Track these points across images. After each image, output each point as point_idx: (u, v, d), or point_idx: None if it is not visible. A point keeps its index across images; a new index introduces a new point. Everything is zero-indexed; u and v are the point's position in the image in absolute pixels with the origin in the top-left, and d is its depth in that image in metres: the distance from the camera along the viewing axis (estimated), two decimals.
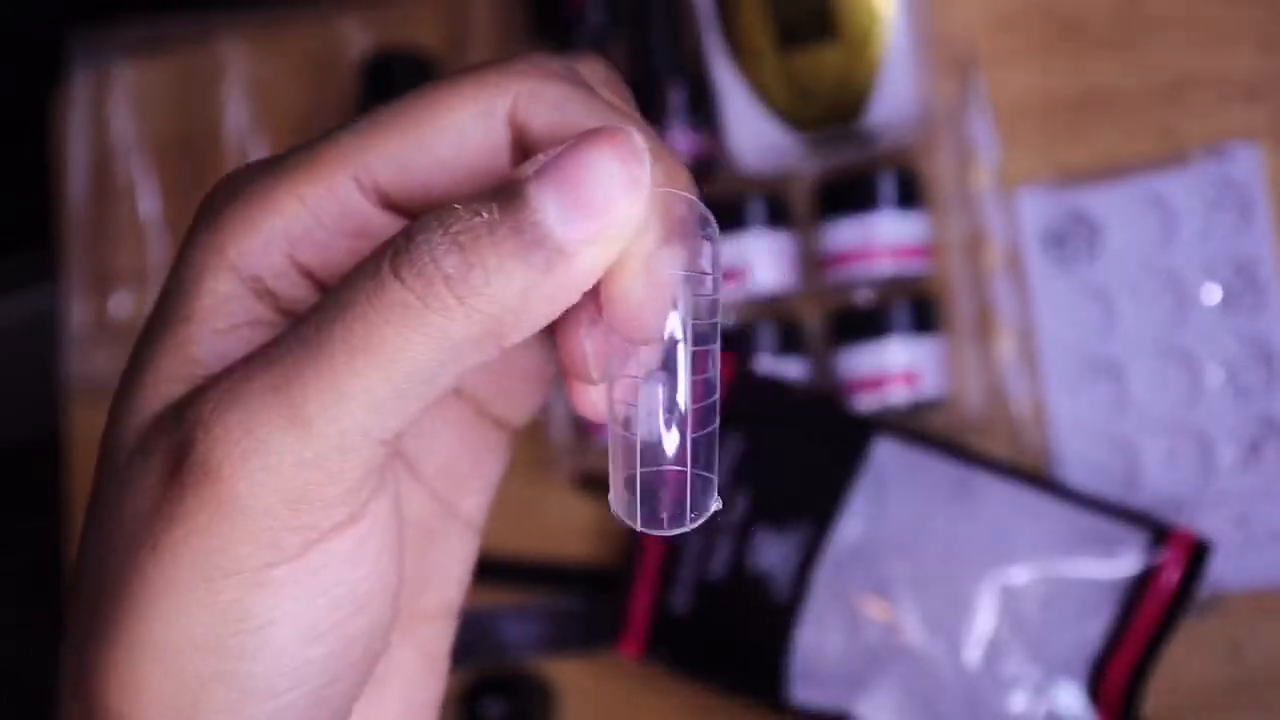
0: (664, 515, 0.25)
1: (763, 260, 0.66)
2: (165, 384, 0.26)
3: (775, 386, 0.65)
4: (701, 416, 0.25)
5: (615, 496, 0.25)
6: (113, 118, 0.80)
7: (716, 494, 0.25)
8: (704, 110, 0.67)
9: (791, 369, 0.66)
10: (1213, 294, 0.63)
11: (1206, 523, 0.62)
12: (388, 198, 0.26)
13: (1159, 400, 0.63)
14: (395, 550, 0.26)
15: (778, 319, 0.67)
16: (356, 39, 0.76)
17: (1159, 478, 0.63)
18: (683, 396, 0.24)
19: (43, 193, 0.83)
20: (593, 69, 0.29)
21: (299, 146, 0.27)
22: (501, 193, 0.24)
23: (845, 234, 0.64)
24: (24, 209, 0.89)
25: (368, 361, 0.23)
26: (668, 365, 0.25)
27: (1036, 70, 0.65)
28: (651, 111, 0.67)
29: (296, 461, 0.24)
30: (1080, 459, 0.64)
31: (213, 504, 0.24)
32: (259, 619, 0.24)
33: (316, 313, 0.24)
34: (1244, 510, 0.62)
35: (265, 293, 0.26)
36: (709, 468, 0.25)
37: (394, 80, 0.73)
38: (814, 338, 0.67)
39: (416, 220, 0.24)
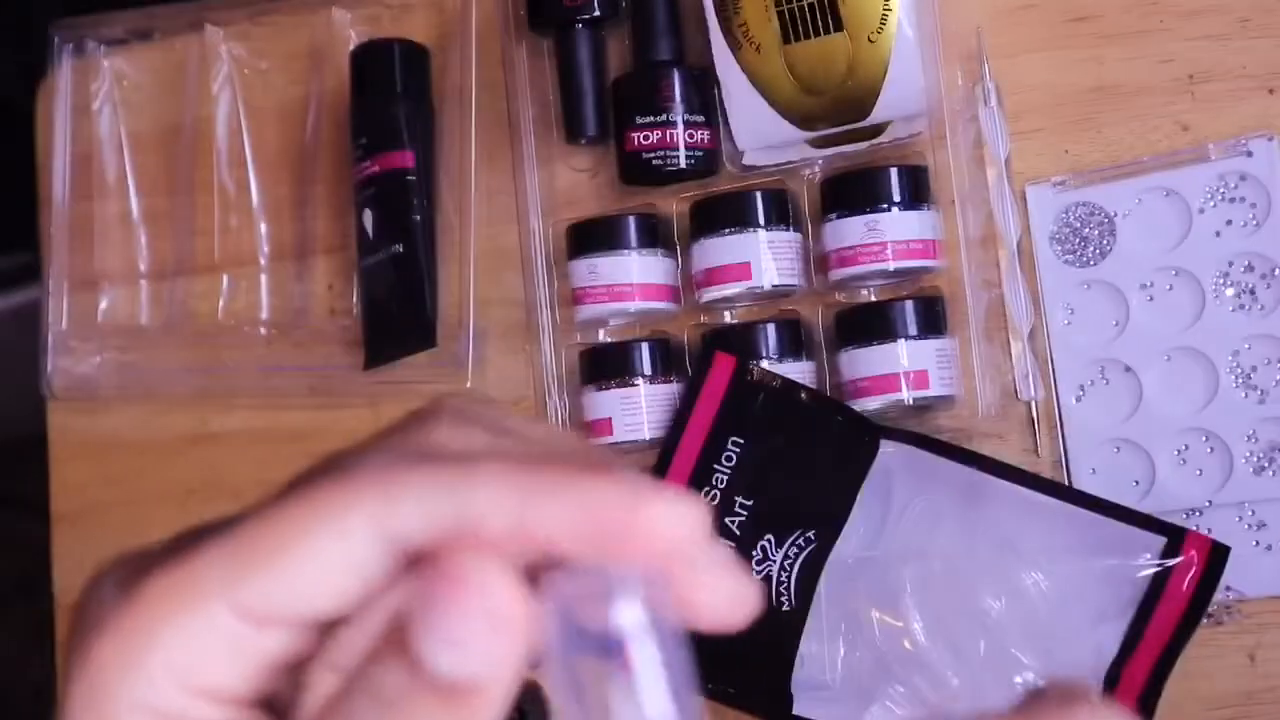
0: None
1: (767, 258, 0.64)
2: None
3: (780, 388, 0.64)
4: None
5: None
6: (98, 110, 0.79)
7: None
8: (708, 104, 0.66)
9: (797, 370, 0.65)
10: (1228, 292, 0.61)
11: (1223, 527, 0.60)
12: (269, 618, 0.26)
13: (1173, 402, 0.62)
14: None
15: (783, 318, 0.65)
16: (347, 28, 0.75)
17: (1174, 481, 0.61)
18: None
19: (33, 191, 0.81)
20: (457, 412, 0.28)
21: (167, 554, 0.27)
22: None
23: (852, 231, 0.63)
24: (15, 207, 0.87)
25: None
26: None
27: (1048, 63, 0.64)
28: (655, 105, 0.65)
29: None
30: (1093, 462, 0.62)
31: None
32: None
33: None
34: (1262, 515, 0.60)
35: (172, 716, 0.27)
36: None
37: (384, 70, 0.71)
38: (820, 337, 0.66)
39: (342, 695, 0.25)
